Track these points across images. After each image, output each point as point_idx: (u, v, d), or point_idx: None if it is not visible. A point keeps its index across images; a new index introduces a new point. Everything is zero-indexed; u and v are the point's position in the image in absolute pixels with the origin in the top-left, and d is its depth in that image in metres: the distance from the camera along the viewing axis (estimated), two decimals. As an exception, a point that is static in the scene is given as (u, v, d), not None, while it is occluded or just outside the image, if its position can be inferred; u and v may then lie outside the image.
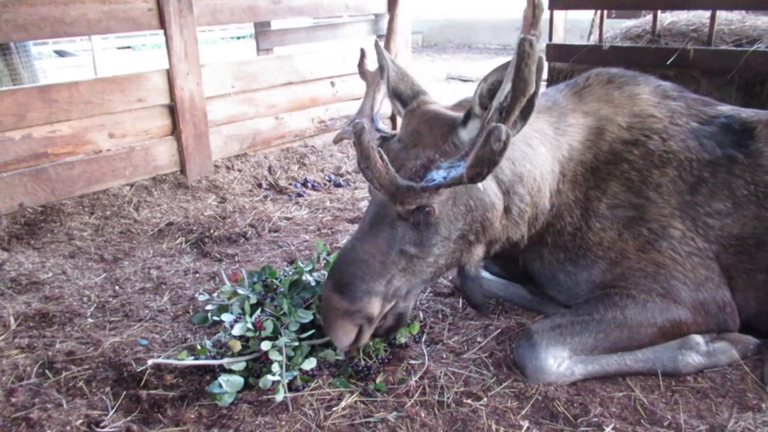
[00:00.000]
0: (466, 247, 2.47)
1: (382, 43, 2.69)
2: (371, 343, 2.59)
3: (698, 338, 2.49)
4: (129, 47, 16.21)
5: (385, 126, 2.66)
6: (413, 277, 2.39)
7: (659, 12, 4.80)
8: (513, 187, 2.50)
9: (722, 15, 4.62)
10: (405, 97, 2.61)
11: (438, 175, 2.17)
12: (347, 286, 2.30)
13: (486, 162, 1.98)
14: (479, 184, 2.38)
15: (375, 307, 2.33)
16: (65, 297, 3.27)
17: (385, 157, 2.10)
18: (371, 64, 2.90)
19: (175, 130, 4.99)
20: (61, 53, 14.11)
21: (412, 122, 2.47)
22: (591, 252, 2.61)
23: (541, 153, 2.58)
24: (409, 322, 2.72)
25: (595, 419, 2.21)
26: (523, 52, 1.90)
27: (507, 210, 2.52)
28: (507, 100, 2.01)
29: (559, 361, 2.40)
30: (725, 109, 2.78)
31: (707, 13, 4.55)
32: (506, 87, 2.04)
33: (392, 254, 2.32)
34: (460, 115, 2.37)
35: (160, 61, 5.07)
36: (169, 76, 4.85)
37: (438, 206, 2.31)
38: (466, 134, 2.31)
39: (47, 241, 4.03)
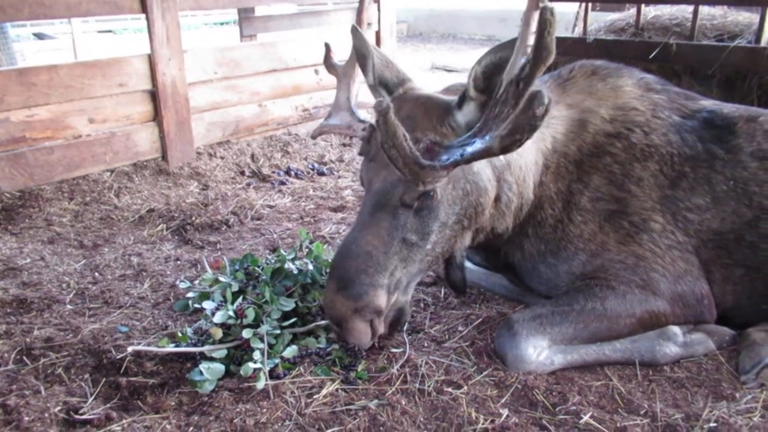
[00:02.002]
0: (459, 234, 2.48)
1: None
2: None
3: (676, 329, 2.53)
4: (110, 31, 15.95)
5: (366, 117, 2.64)
6: (412, 266, 2.38)
7: (643, 5, 4.83)
8: (503, 174, 2.53)
9: (705, 10, 4.67)
10: (391, 84, 2.60)
11: (452, 154, 2.14)
12: (351, 282, 2.26)
13: (526, 128, 1.94)
14: (474, 167, 2.41)
15: (381, 299, 2.30)
16: (44, 283, 3.23)
17: (408, 136, 2.06)
18: (337, 58, 2.86)
19: (156, 116, 4.93)
20: (40, 36, 13.85)
21: (405, 108, 2.44)
22: (572, 244, 2.63)
23: (525, 144, 2.59)
24: None
25: (574, 407, 2.24)
26: (544, 20, 1.89)
27: (497, 198, 2.54)
28: (525, 70, 1.98)
29: (538, 351, 2.42)
30: (707, 103, 2.81)
31: (690, 8, 4.58)
32: (518, 61, 2.03)
33: (395, 244, 2.31)
34: (453, 98, 2.38)
35: (142, 45, 5.00)
36: (151, 61, 4.78)
37: (440, 190, 2.32)
38: (462, 117, 2.33)
39: (25, 226, 3.97)
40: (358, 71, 2.77)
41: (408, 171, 2.12)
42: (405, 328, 2.77)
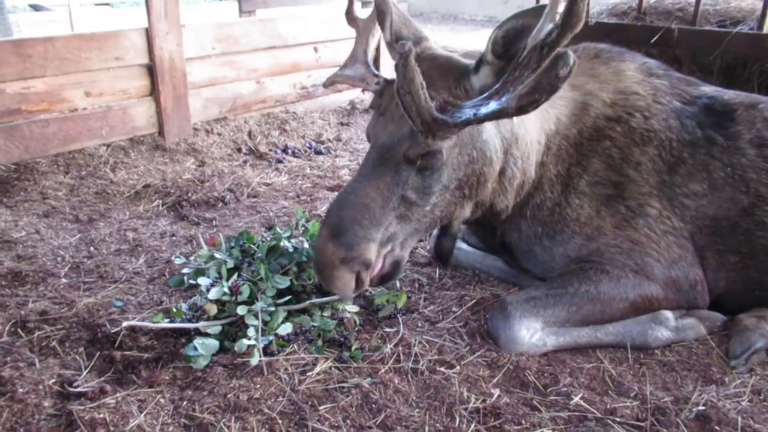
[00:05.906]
0: (459, 202, 2.48)
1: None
2: (348, 312, 2.62)
3: (668, 314, 2.54)
4: (107, 4, 15.78)
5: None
6: (408, 225, 2.38)
7: (646, -11, 4.78)
8: (510, 147, 2.53)
9: (708, -5, 4.63)
10: None
11: (466, 113, 2.11)
12: (344, 231, 2.26)
13: (546, 88, 1.91)
14: (483, 135, 2.40)
15: (372, 252, 2.30)
16: (39, 256, 3.23)
17: (425, 85, 2.01)
18: (360, 11, 2.84)
19: (153, 91, 4.89)
20: (36, 7, 13.67)
21: (422, 66, 2.39)
22: (568, 227, 2.63)
23: (531, 120, 2.59)
24: (396, 293, 2.76)
25: (564, 389, 2.26)
26: None
27: (502, 172, 2.54)
28: (552, 36, 1.95)
29: (531, 332, 2.44)
30: (708, 89, 2.79)
31: (693, -8, 4.54)
32: (545, 27, 2.01)
33: (393, 199, 2.31)
34: (471, 62, 2.37)
35: (140, 19, 4.94)
36: (149, 35, 4.73)
37: (446, 151, 2.31)
38: (477, 81, 2.33)
39: (20, 199, 3.95)
40: (378, 28, 2.74)
41: (420, 121, 2.08)
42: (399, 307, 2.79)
